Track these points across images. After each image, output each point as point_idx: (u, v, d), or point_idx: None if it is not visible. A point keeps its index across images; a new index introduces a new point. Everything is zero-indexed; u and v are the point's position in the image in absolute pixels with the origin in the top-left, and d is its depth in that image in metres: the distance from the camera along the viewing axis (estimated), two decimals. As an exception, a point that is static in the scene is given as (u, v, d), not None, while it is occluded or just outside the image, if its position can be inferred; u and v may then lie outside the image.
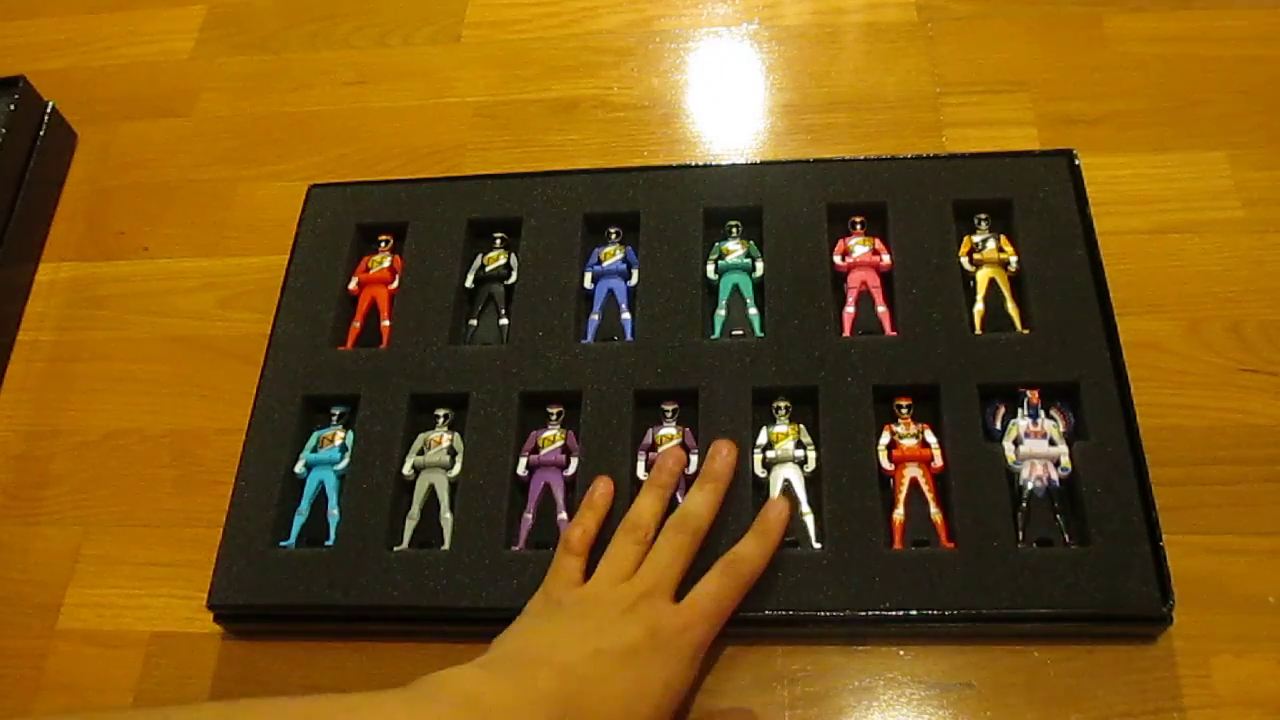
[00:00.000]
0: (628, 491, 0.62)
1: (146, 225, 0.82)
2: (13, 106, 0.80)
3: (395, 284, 0.72)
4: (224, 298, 0.77)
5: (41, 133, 0.82)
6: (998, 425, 0.62)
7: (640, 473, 0.63)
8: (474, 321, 0.71)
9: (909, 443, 0.62)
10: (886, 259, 0.69)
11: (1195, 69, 0.77)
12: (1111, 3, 0.80)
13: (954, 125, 0.77)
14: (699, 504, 0.59)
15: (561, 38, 0.86)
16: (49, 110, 0.84)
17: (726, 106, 0.81)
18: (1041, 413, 0.62)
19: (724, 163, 0.75)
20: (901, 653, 0.59)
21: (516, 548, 0.62)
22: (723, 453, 0.61)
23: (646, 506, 0.59)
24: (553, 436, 0.65)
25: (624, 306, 0.70)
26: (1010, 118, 0.76)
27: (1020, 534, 0.59)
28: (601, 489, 0.61)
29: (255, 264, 0.78)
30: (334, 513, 0.64)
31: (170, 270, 0.79)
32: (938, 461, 0.61)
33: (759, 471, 0.63)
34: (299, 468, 0.66)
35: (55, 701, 0.63)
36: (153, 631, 0.65)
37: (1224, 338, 0.66)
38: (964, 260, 0.68)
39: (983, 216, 0.70)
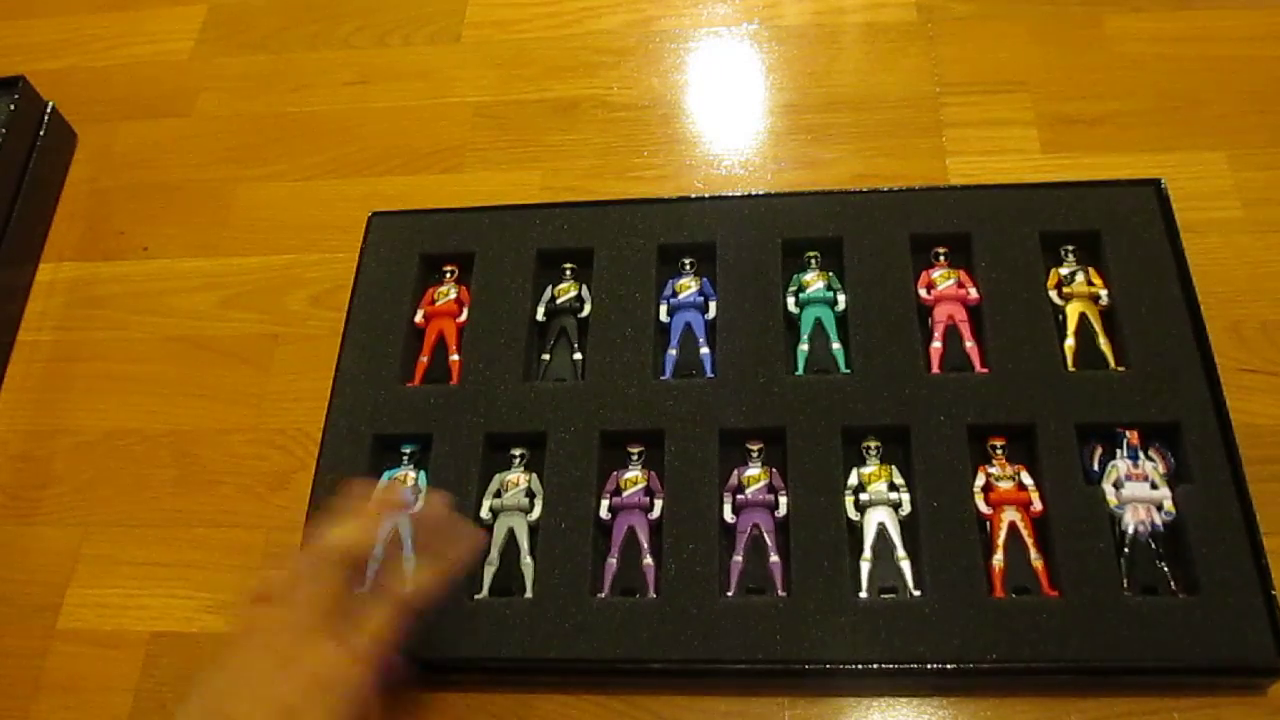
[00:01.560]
0: (716, 534, 0.60)
1: (146, 225, 0.82)
2: (13, 106, 0.80)
3: (463, 316, 0.70)
4: (224, 298, 0.77)
5: (41, 133, 0.82)
6: (1095, 466, 0.60)
7: (727, 515, 0.61)
8: (546, 356, 0.69)
9: (1005, 485, 0.60)
10: (973, 292, 0.66)
11: (1195, 69, 0.77)
12: (1111, 3, 0.80)
13: (954, 125, 0.77)
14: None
15: (561, 38, 0.86)
16: (49, 110, 0.83)
17: (726, 106, 0.81)
18: (1141, 454, 0.60)
19: (800, 190, 0.72)
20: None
21: (602, 594, 0.60)
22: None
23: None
24: (635, 478, 0.63)
25: (702, 341, 0.67)
26: (1010, 118, 0.76)
27: (1125, 581, 0.57)
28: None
29: (255, 264, 0.78)
30: (409, 558, 0.61)
31: (170, 270, 0.79)
32: (1036, 505, 0.59)
33: (852, 515, 0.60)
34: None
35: (55, 701, 0.63)
36: (153, 631, 0.65)
37: (1224, 338, 0.66)
38: (1052, 294, 0.66)
39: (1069, 248, 0.67)
